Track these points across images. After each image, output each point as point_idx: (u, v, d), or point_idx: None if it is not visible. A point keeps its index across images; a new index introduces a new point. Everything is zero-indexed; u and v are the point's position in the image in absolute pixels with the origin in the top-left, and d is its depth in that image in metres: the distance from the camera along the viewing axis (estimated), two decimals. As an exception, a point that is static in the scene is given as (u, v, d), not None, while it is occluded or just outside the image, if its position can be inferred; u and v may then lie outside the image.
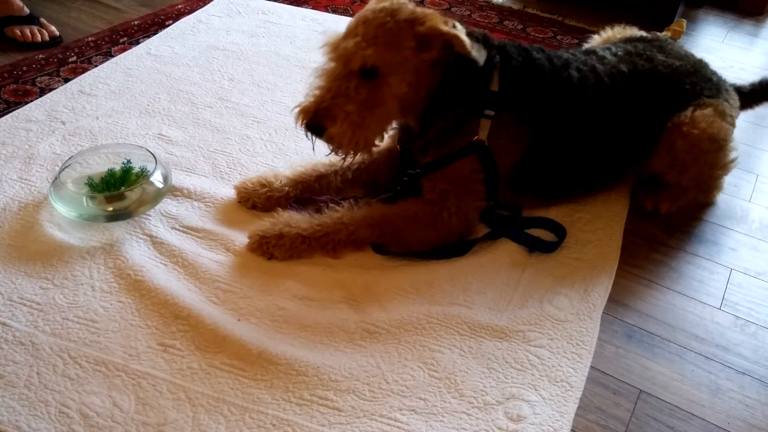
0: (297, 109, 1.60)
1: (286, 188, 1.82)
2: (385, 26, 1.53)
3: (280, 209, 1.75)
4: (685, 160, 1.84)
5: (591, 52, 1.91)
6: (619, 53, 1.89)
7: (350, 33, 1.56)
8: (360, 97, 1.54)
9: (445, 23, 1.56)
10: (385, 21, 1.53)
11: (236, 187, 1.85)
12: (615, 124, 1.81)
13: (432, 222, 1.70)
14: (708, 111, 1.83)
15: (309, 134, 1.59)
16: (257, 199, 1.81)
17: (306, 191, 1.84)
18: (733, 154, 1.95)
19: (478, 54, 1.55)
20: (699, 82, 1.89)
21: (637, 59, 1.87)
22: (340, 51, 1.54)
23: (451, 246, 1.72)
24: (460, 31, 1.56)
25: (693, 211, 2.01)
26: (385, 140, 1.79)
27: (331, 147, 1.60)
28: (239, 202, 1.83)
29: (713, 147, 1.84)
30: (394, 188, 1.82)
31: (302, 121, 1.58)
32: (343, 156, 1.62)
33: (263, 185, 1.82)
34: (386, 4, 1.57)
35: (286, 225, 1.67)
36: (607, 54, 1.88)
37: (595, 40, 2.23)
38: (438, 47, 1.57)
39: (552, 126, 1.75)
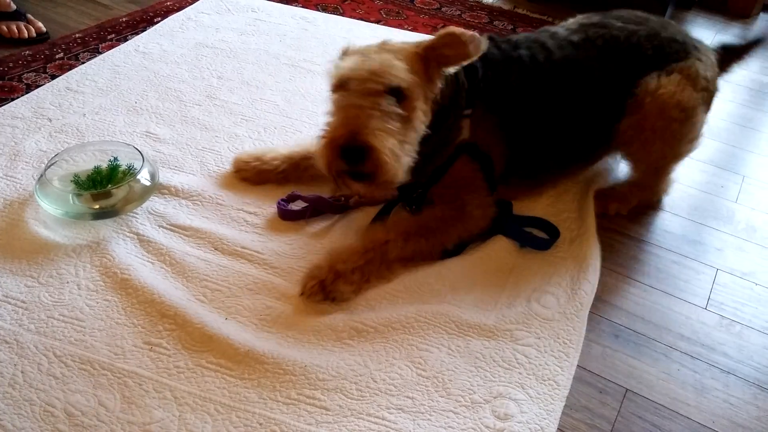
0: (322, 145, 1.45)
1: (276, 162, 1.87)
2: (407, 49, 1.54)
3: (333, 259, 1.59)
4: (654, 127, 1.76)
5: (543, 30, 1.88)
6: (572, 27, 1.86)
7: (382, 50, 1.54)
8: (397, 116, 1.46)
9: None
10: (402, 44, 1.56)
11: (234, 158, 1.93)
12: (575, 93, 1.77)
13: (461, 218, 1.70)
14: (674, 77, 1.75)
15: (341, 173, 1.46)
16: (247, 171, 1.88)
17: (293, 167, 1.89)
18: (697, 129, 1.85)
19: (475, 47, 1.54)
20: (663, 45, 1.80)
21: (590, 28, 1.82)
22: (370, 68, 1.46)
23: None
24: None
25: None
26: None
27: (363, 183, 1.47)
28: (234, 172, 1.91)
29: (681, 116, 1.76)
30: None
31: (333, 152, 1.42)
32: (379, 185, 1.48)
33: (256, 159, 1.89)
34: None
35: (341, 262, 1.55)
36: (559, 30, 1.86)
37: None
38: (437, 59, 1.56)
39: (517, 107, 1.74)
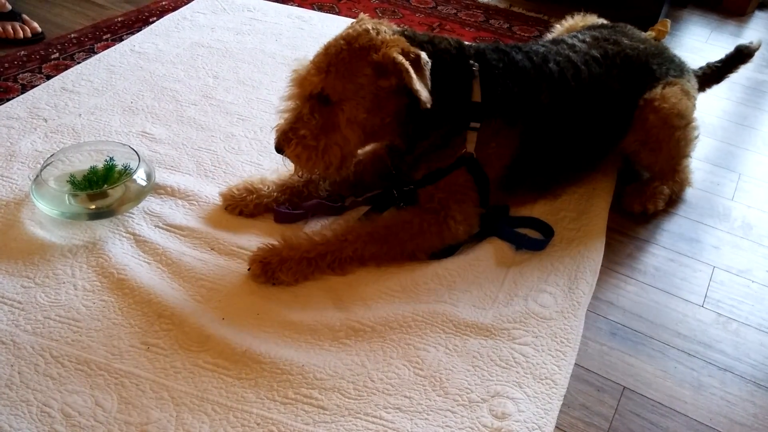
0: (274, 130, 1.64)
1: (275, 194, 1.80)
2: (340, 55, 1.53)
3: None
4: (658, 135, 1.88)
5: (560, 41, 1.92)
6: (588, 40, 1.92)
7: (312, 61, 1.58)
8: (314, 122, 1.56)
9: (406, 53, 1.51)
10: (341, 49, 1.53)
11: (222, 195, 1.81)
12: (596, 107, 1.84)
13: (438, 232, 1.69)
14: (676, 89, 1.90)
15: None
16: (245, 207, 1.78)
17: (294, 195, 1.82)
18: (696, 132, 1.99)
19: (425, 94, 1.48)
20: (665, 63, 1.95)
21: (605, 44, 1.91)
22: (296, 78, 1.58)
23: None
24: (424, 64, 1.51)
25: (676, 209, 2.03)
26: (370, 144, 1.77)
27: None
28: (225, 209, 1.80)
29: (682, 123, 1.90)
30: (380, 186, 1.83)
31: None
32: (301, 175, 1.68)
33: (250, 192, 1.79)
34: (351, 30, 1.56)
35: (288, 248, 1.61)
36: (576, 42, 1.91)
37: (558, 30, 2.26)
38: (397, 75, 1.51)
39: (540, 123, 1.76)
